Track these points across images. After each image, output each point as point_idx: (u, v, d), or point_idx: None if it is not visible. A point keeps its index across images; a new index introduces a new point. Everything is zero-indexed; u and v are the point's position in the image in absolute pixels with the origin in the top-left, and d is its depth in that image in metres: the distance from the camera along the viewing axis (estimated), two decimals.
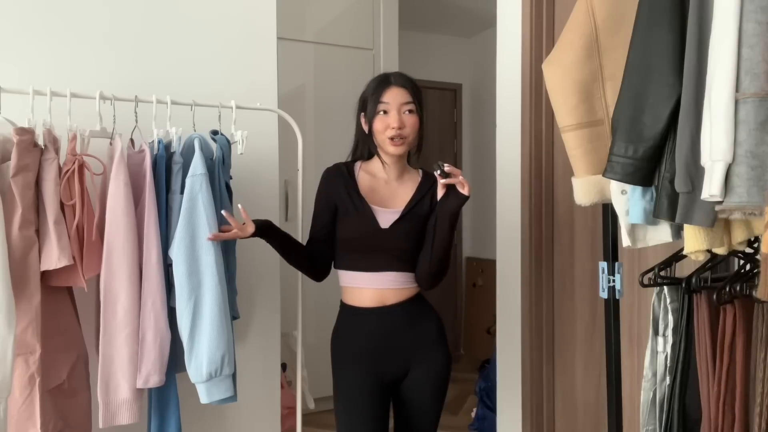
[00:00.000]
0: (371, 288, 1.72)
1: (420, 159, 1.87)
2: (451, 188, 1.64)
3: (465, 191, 1.62)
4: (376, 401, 1.71)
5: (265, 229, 1.73)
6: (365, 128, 1.79)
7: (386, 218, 1.73)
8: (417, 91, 1.76)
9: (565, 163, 1.84)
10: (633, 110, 1.20)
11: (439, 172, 1.61)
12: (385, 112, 1.72)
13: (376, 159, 1.80)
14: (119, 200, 1.62)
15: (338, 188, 1.77)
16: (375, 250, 1.72)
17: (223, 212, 1.67)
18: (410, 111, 1.73)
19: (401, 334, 1.73)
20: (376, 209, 1.74)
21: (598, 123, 1.38)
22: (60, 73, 1.91)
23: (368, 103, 1.75)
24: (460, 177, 1.61)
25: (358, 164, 1.83)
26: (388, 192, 1.79)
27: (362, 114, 1.79)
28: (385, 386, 1.74)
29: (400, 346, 1.73)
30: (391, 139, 1.71)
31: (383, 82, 1.75)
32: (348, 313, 1.77)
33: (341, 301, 1.79)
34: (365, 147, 1.83)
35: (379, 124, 1.72)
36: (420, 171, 1.86)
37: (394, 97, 1.72)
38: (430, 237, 1.71)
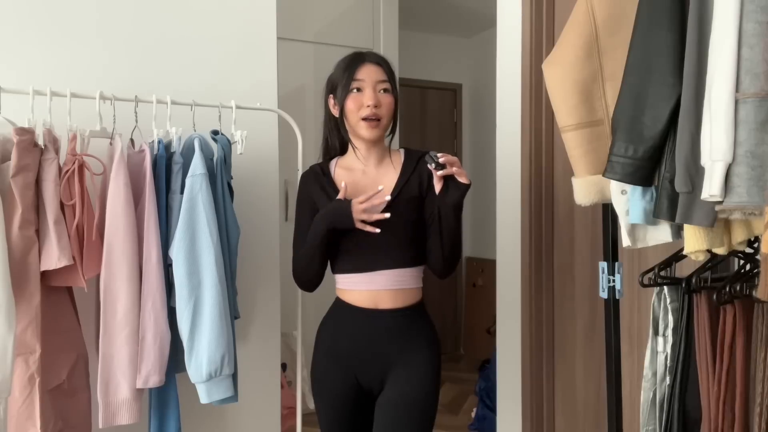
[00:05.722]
0: (366, 290, 1.61)
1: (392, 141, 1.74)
2: (449, 179, 1.53)
3: (464, 180, 1.51)
4: (349, 401, 1.64)
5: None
6: (335, 111, 1.66)
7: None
8: (391, 70, 1.66)
9: (565, 163, 1.83)
10: (633, 110, 1.20)
11: (433, 165, 1.50)
12: (358, 89, 1.60)
13: (351, 151, 1.68)
14: (119, 200, 1.62)
15: (316, 191, 1.67)
16: (366, 248, 1.59)
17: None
18: (386, 90, 1.61)
19: (385, 343, 1.61)
20: None
21: (598, 123, 1.38)
22: (60, 73, 1.91)
23: (339, 82, 1.62)
24: (455, 168, 1.50)
25: (334, 161, 1.72)
26: (368, 182, 1.65)
27: (331, 96, 1.67)
28: (362, 389, 1.64)
29: (381, 354, 1.61)
30: (365, 120, 1.59)
31: (356, 59, 1.63)
32: (338, 307, 1.67)
33: (336, 296, 1.70)
34: (336, 136, 1.71)
35: (351, 103, 1.60)
36: (401, 151, 1.72)
37: (368, 74, 1.60)
38: (437, 228, 1.59)
